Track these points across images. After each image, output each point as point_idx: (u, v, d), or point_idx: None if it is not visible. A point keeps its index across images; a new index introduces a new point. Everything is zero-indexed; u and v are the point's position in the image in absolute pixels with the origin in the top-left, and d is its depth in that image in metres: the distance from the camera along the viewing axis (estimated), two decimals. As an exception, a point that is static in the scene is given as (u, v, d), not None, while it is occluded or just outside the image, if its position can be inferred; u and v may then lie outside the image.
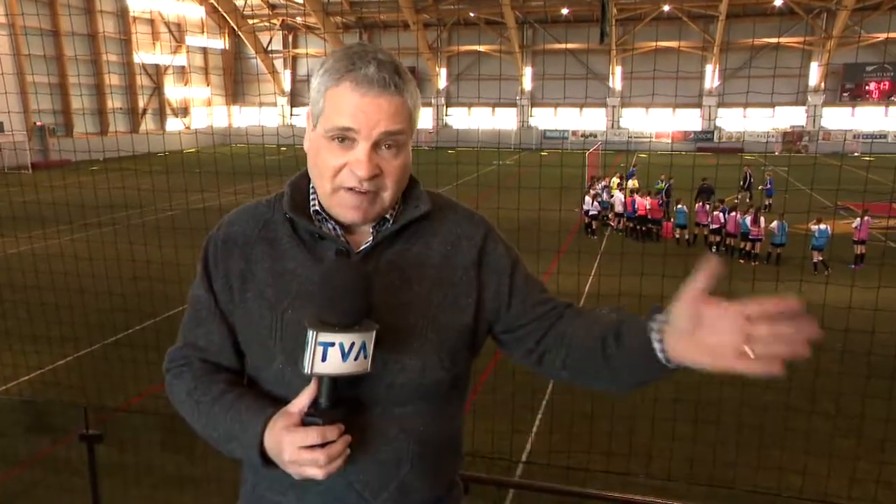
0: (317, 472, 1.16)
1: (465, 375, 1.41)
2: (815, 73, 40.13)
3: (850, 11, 35.46)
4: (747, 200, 19.01)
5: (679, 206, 16.12)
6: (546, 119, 45.47)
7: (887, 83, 39.09)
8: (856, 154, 36.57)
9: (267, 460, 1.23)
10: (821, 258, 13.48)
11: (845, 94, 40.13)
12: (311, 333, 1.14)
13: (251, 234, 1.36)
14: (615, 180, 20.13)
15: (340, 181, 1.26)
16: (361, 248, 1.32)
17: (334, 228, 1.33)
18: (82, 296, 7.96)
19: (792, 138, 40.31)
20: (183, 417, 1.39)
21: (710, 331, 1.02)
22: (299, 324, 1.22)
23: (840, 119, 40.80)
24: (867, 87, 39.53)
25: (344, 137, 1.23)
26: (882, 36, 36.79)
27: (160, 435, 6.55)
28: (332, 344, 1.14)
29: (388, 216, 1.34)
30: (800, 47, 39.10)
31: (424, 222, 1.36)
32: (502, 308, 1.38)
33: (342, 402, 1.21)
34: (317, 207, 1.33)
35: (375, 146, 1.23)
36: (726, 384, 7.17)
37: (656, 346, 1.12)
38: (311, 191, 1.37)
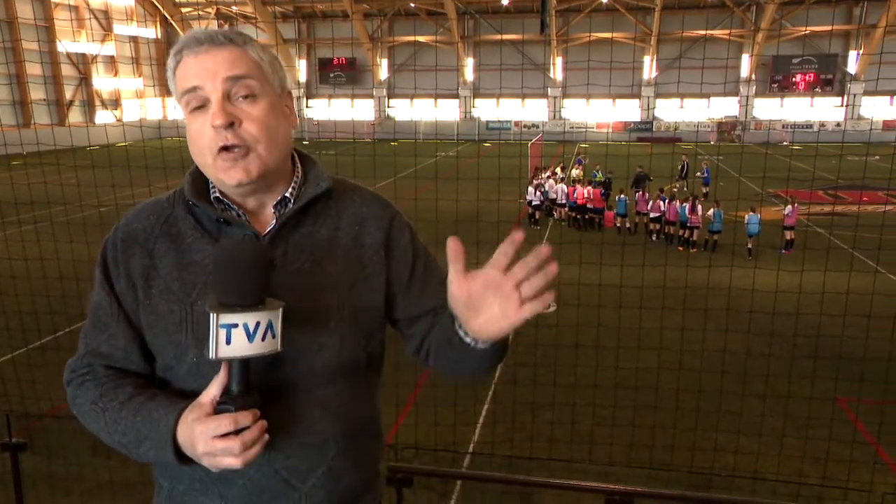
0: (233, 462, 1.13)
1: (380, 356, 1.42)
2: (745, 65, 41.65)
3: (776, 5, 36.86)
4: (685, 189, 19.58)
5: (620, 195, 16.46)
6: (488, 110, 45.73)
7: (812, 75, 40.99)
8: (784, 143, 38.16)
9: (182, 457, 1.20)
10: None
11: (774, 85, 41.86)
12: (211, 317, 1.10)
13: (152, 229, 1.33)
14: (557, 171, 20.40)
15: (212, 144, 1.24)
16: (267, 231, 1.31)
17: (239, 214, 1.32)
18: (1, 298, 7.53)
19: (726, 128, 41.77)
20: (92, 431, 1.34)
21: (487, 302, 1.14)
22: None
23: (770, 109, 42.54)
24: (794, 79, 41.35)
25: (200, 105, 1.24)
26: (805, 29, 38.44)
27: (91, 440, 6.25)
28: (236, 325, 1.10)
29: (288, 195, 1.34)
30: (731, 39, 40.43)
31: (328, 203, 1.37)
32: (399, 295, 1.40)
33: (262, 387, 1.18)
34: (217, 195, 1.32)
35: (227, 97, 1.23)
36: (664, 370, 7.36)
37: (460, 332, 1.22)
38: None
